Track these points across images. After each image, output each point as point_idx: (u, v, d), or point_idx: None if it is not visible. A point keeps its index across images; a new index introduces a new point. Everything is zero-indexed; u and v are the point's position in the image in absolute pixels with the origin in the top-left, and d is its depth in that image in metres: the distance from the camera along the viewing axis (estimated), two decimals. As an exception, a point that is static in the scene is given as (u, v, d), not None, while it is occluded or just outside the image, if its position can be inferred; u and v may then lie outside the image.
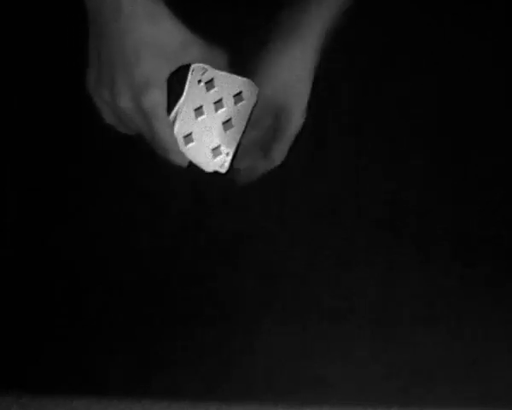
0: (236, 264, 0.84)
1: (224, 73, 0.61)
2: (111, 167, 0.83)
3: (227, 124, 0.63)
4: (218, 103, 0.62)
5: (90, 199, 0.83)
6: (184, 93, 0.61)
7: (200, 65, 0.61)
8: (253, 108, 0.62)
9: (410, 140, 0.85)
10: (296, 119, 0.65)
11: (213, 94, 0.62)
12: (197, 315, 0.83)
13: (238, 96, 0.62)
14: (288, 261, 0.84)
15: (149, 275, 0.83)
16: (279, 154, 0.66)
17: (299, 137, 0.67)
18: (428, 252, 0.85)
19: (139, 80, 0.57)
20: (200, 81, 0.61)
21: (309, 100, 0.64)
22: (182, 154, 0.62)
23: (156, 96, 0.58)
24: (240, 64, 0.63)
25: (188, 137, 0.62)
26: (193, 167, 0.65)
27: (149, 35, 0.57)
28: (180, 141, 0.62)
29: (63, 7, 0.80)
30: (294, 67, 0.62)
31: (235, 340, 0.83)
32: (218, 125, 0.62)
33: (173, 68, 0.59)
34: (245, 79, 0.62)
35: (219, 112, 0.62)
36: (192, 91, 0.61)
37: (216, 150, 0.63)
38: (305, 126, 0.66)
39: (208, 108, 0.62)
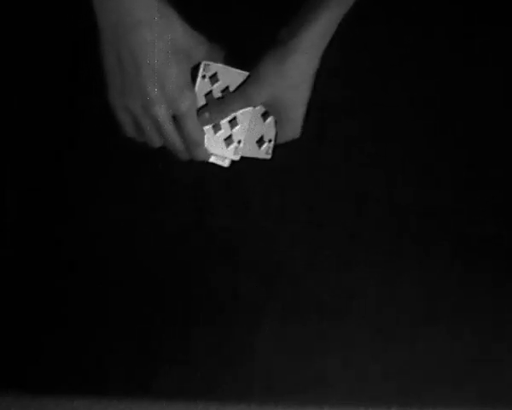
0: (236, 264, 0.84)
1: (226, 67, 0.64)
2: (111, 167, 0.83)
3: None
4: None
5: (90, 199, 0.83)
6: (196, 89, 0.63)
7: (206, 62, 0.63)
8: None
9: (411, 140, 0.85)
10: (296, 118, 0.65)
11: (218, 87, 0.64)
12: (197, 315, 0.83)
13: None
14: (288, 261, 0.84)
15: (149, 275, 0.83)
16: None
17: (299, 138, 0.67)
18: (428, 252, 0.85)
19: (172, 86, 0.59)
20: (204, 76, 0.63)
21: (309, 101, 0.65)
22: (205, 149, 0.64)
23: (190, 98, 0.61)
24: (236, 58, 0.64)
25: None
26: (195, 166, 0.67)
27: (169, 41, 0.58)
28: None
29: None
30: (297, 71, 0.62)
31: (235, 340, 0.84)
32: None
33: (191, 68, 0.61)
34: (245, 72, 0.64)
35: None
36: (201, 87, 0.62)
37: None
38: (305, 127, 0.66)
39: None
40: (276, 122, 0.67)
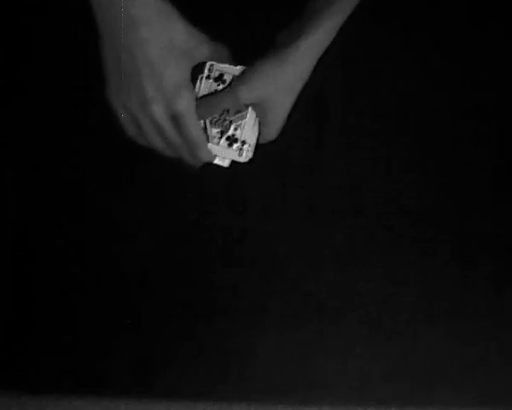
0: (236, 264, 0.84)
1: (231, 67, 0.64)
2: (111, 167, 0.83)
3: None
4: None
5: (90, 199, 0.83)
6: (200, 90, 0.62)
7: (211, 62, 0.62)
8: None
9: (411, 140, 0.85)
10: (278, 121, 0.65)
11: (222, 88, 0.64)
12: (197, 315, 0.83)
13: None
14: (287, 261, 0.84)
15: (149, 275, 0.83)
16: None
17: (299, 138, 0.67)
18: (428, 252, 0.85)
19: (170, 85, 0.58)
20: (209, 77, 0.62)
21: (292, 107, 0.65)
22: (209, 150, 0.64)
23: (188, 97, 0.60)
24: (240, 57, 0.64)
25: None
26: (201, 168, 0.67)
27: (168, 40, 0.58)
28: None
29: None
30: (292, 76, 0.62)
31: (235, 340, 0.83)
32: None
33: (191, 68, 0.61)
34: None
35: None
36: (205, 87, 0.62)
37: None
38: (305, 127, 0.66)
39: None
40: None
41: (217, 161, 0.66)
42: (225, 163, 0.67)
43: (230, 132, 0.65)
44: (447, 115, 0.85)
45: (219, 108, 0.64)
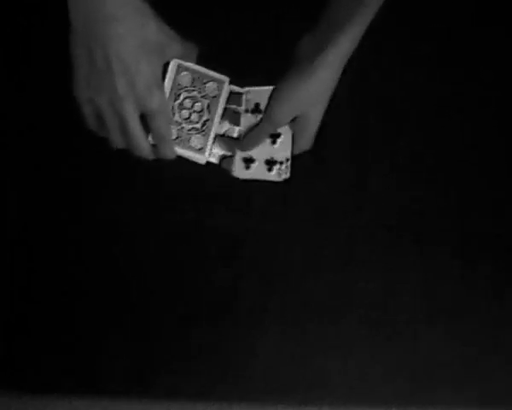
0: (237, 264, 0.84)
1: (198, 67, 0.63)
2: (111, 167, 0.83)
3: (205, 119, 0.65)
4: (195, 98, 0.64)
5: (90, 199, 0.83)
6: (167, 91, 0.63)
7: (178, 60, 0.62)
8: (228, 98, 0.64)
9: (411, 140, 0.85)
10: (312, 130, 0.65)
11: (189, 86, 0.64)
12: (197, 315, 0.83)
13: (213, 90, 0.65)
14: (287, 261, 0.84)
15: (149, 275, 0.83)
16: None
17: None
18: (428, 252, 0.85)
19: (142, 84, 0.58)
20: (175, 75, 0.63)
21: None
22: (173, 148, 0.64)
23: (160, 96, 0.60)
24: (208, 57, 0.64)
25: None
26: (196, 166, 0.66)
27: (142, 38, 0.58)
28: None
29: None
30: (322, 87, 0.63)
31: (234, 340, 0.84)
32: (198, 120, 0.65)
33: (162, 65, 0.61)
34: (217, 73, 0.64)
35: (196, 105, 0.64)
36: (171, 85, 0.63)
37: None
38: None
39: (188, 103, 0.64)
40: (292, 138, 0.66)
41: (192, 158, 0.66)
42: (214, 158, 0.66)
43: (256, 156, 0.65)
44: (447, 115, 0.85)
45: (262, 138, 0.64)
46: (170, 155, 0.65)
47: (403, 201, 0.84)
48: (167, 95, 0.63)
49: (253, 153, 0.66)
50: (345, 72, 0.65)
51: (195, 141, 0.65)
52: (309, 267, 0.84)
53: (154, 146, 0.64)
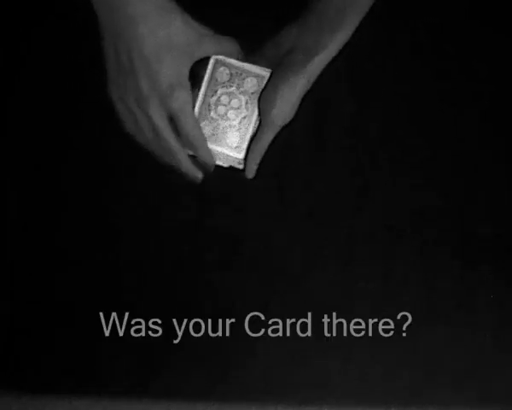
0: (236, 264, 0.84)
1: (237, 62, 0.62)
2: (111, 167, 0.83)
3: (242, 116, 0.63)
4: (233, 94, 0.62)
5: (90, 199, 0.83)
6: (203, 87, 0.61)
7: (216, 56, 0.61)
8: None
9: (410, 140, 0.85)
10: (270, 128, 0.65)
11: (231, 84, 0.62)
12: (197, 315, 0.83)
13: (252, 86, 0.63)
14: (287, 261, 0.84)
15: (149, 275, 0.83)
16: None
17: (300, 138, 0.67)
18: (428, 252, 0.85)
19: (164, 83, 0.58)
20: (213, 73, 0.61)
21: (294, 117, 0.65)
22: (210, 150, 0.63)
23: (183, 96, 0.60)
24: (251, 51, 0.63)
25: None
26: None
27: (165, 37, 0.58)
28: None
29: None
30: (288, 91, 0.62)
31: (235, 340, 0.83)
32: (235, 117, 0.63)
33: (191, 64, 0.60)
34: (259, 67, 0.62)
35: (233, 102, 0.63)
36: (211, 84, 0.62)
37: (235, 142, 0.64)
38: (305, 127, 0.66)
39: (225, 100, 0.62)
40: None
41: (232, 163, 0.65)
42: (241, 165, 0.65)
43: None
44: (447, 115, 0.85)
45: (266, 145, 0.64)
46: (205, 156, 0.63)
47: (403, 201, 0.84)
48: (203, 91, 0.62)
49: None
50: (344, 72, 0.64)
51: (232, 138, 0.64)
52: (309, 267, 0.84)
53: (193, 157, 0.63)
